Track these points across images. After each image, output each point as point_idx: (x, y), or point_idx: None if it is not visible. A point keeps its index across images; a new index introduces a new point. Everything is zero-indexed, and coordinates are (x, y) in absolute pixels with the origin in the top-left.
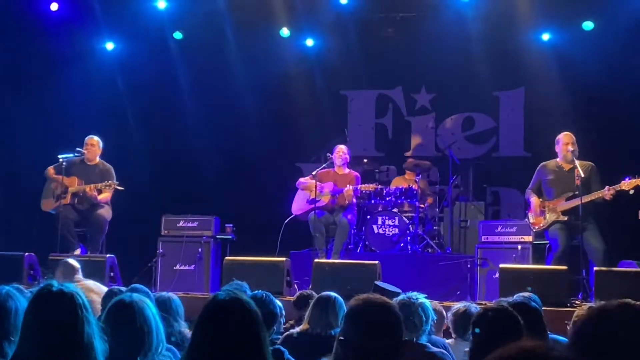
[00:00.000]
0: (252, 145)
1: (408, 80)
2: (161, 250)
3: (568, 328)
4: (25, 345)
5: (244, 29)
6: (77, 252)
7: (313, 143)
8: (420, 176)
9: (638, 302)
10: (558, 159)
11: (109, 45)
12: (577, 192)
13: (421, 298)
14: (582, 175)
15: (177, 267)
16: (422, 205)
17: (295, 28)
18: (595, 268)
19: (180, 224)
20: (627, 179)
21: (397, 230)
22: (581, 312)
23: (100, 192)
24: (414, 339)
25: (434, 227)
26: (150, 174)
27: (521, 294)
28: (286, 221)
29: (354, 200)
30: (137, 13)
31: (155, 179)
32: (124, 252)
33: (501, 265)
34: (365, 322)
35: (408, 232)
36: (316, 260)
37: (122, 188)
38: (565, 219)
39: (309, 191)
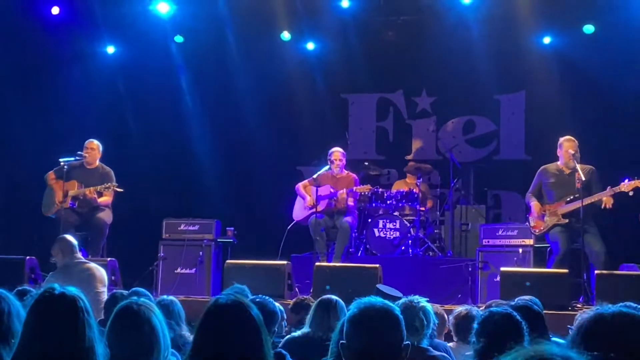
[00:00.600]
0: (253, 148)
1: (409, 84)
2: (162, 254)
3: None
4: (26, 348)
5: (245, 32)
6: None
7: (314, 146)
8: (421, 179)
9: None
10: (559, 163)
11: (110, 49)
12: (577, 195)
13: (422, 302)
14: (583, 179)
15: (178, 270)
16: (422, 209)
17: (296, 32)
18: (596, 271)
19: (182, 227)
20: (626, 180)
21: (398, 233)
22: (582, 315)
23: (100, 194)
24: (416, 343)
25: (435, 231)
26: (151, 178)
27: (523, 297)
28: (289, 227)
29: (350, 203)
30: (138, 16)
31: (156, 182)
32: (125, 256)
33: (502, 269)
34: (367, 326)
35: (409, 235)
36: (317, 263)
37: (122, 190)
38: (566, 222)
39: (307, 204)
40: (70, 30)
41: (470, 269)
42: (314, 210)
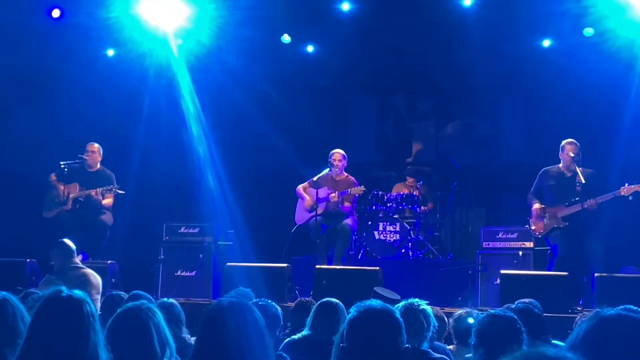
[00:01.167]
0: (252, 151)
1: (409, 86)
2: (162, 256)
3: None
4: (31, 350)
5: (244, 35)
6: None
7: (314, 149)
8: (421, 182)
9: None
10: (560, 165)
11: (110, 52)
12: (578, 198)
13: (422, 304)
14: (583, 182)
15: (178, 273)
16: (423, 210)
17: (296, 34)
18: (596, 274)
19: (182, 230)
20: (626, 184)
21: (398, 236)
22: (582, 318)
23: (103, 197)
24: (416, 346)
25: (435, 233)
26: (151, 180)
27: (523, 300)
28: (292, 230)
29: (347, 205)
30: (137, 19)
31: (157, 185)
32: (125, 258)
33: (502, 271)
34: (367, 329)
35: (409, 238)
36: (317, 266)
37: (123, 192)
38: (566, 224)
39: (306, 205)
40: (70, 34)
41: (470, 272)
42: (315, 213)
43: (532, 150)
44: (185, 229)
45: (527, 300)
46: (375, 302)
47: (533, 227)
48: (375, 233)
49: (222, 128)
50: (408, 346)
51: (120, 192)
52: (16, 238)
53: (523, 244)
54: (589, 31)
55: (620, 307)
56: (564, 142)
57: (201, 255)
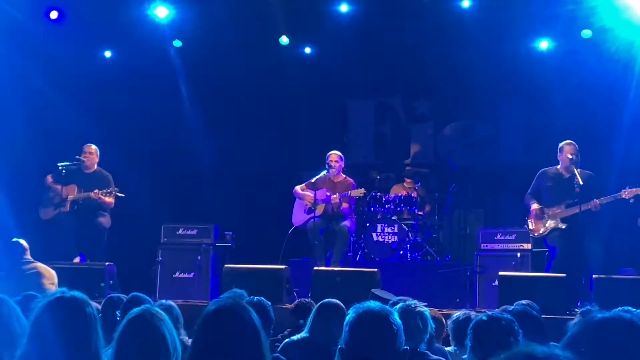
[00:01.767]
0: (250, 152)
1: (407, 88)
2: (160, 258)
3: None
4: (33, 350)
5: (243, 37)
6: (77, 260)
7: (312, 151)
8: (419, 184)
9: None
10: (558, 166)
11: (107, 53)
12: (576, 200)
13: (420, 306)
14: (582, 183)
15: (177, 274)
16: (421, 213)
17: (295, 36)
18: (594, 275)
19: (180, 231)
20: (627, 187)
21: (396, 237)
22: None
23: (103, 199)
24: (414, 347)
25: (433, 235)
26: (149, 182)
27: (521, 301)
28: (289, 232)
29: (344, 207)
30: (136, 21)
31: (155, 187)
32: (124, 260)
33: (500, 273)
34: (365, 331)
35: (407, 239)
36: (315, 268)
37: (123, 194)
38: (565, 226)
39: (306, 202)
40: (68, 35)
41: (468, 274)
42: (312, 215)
43: (530, 151)
44: (183, 231)
45: (525, 301)
46: (373, 304)
47: (531, 228)
48: (374, 235)
49: (219, 129)
50: (406, 348)
51: (120, 194)
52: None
53: (521, 245)
54: (587, 33)
55: (617, 309)
56: (562, 143)
57: (199, 257)
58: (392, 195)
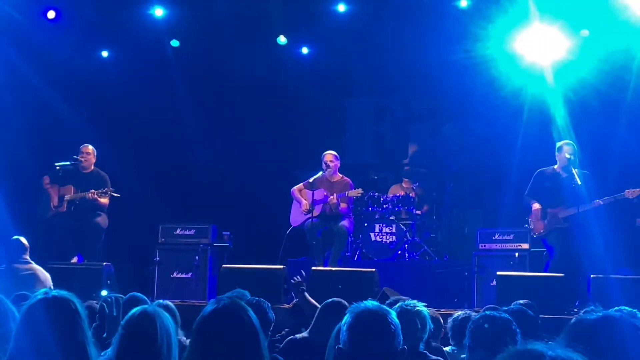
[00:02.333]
0: (249, 152)
1: (405, 88)
2: (158, 258)
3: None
4: (21, 349)
5: (241, 36)
6: (74, 260)
7: (310, 151)
8: (417, 183)
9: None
10: (556, 166)
11: (104, 53)
12: (575, 199)
13: (419, 306)
14: (579, 183)
15: (174, 275)
16: (419, 213)
17: (293, 36)
18: (592, 275)
19: (178, 231)
20: (630, 189)
21: (394, 237)
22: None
23: (98, 199)
24: (412, 347)
25: (432, 235)
26: (147, 182)
27: (519, 301)
28: (287, 232)
29: (342, 207)
30: (133, 20)
31: (152, 187)
32: (121, 260)
33: (498, 273)
34: (363, 331)
35: (405, 239)
36: (313, 267)
37: (118, 195)
38: (565, 226)
39: (302, 208)
40: (66, 35)
41: (466, 273)
42: (311, 215)
43: (528, 151)
44: (181, 231)
45: (522, 301)
46: (370, 304)
47: (532, 226)
48: (372, 235)
49: (217, 129)
50: (404, 348)
51: (115, 195)
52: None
53: (519, 245)
54: (585, 33)
55: (615, 309)
56: (560, 142)
57: (197, 257)
58: (390, 195)
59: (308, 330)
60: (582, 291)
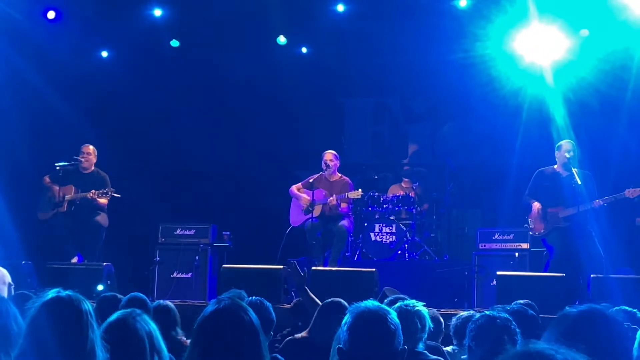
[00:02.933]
0: (248, 152)
1: (405, 88)
2: (158, 258)
3: None
4: (30, 349)
5: (240, 36)
6: (74, 260)
7: (310, 151)
8: (417, 183)
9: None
10: (556, 166)
11: (104, 53)
12: (575, 199)
13: (418, 306)
14: (580, 183)
15: (174, 274)
16: (419, 211)
17: (292, 36)
18: (592, 275)
19: (178, 231)
20: (630, 188)
21: (394, 237)
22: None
23: (98, 199)
24: (412, 347)
25: (431, 235)
26: (147, 182)
27: (519, 301)
28: (287, 231)
29: (343, 207)
30: (133, 21)
31: (152, 186)
32: (121, 260)
33: (498, 273)
34: (363, 331)
35: (405, 239)
36: (313, 267)
37: (119, 195)
38: (565, 225)
39: (302, 203)
40: (66, 35)
41: (466, 273)
42: (310, 215)
43: (527, 151)
44: (181, 231)
45: (523, 301)
46: (370, 304)
47: (532, 226)
48: (372, 234)
49: (217, 129)
50: (404, 348)
51: (115, 195)
52: (12, 240)
53: (519, 245)
54: (584, 33)
55: (615, 308)
56: (560, 142)
57: (197, 257)
58: (389, 195)
59: (307, 330)
60: (582, 291)
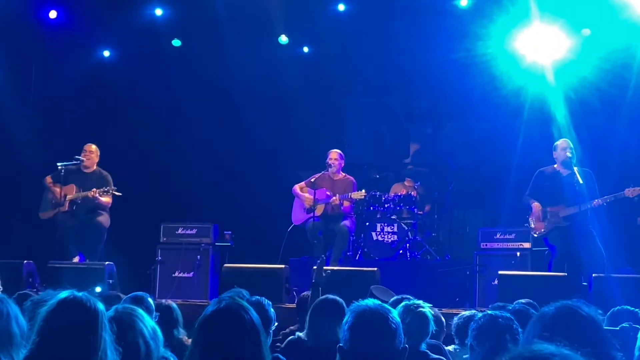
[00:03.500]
0: (250, 152)
1: (406, 88)
2: (160, 258)
3: None
4: (43, 349)
5: (242, 36)
6: (76, 259)
7: (311, 150)
8: (418, 183)
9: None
10: (555, 165)
11: (106, 53)
12: (576, 198)
13: (424, 306)
14: (580, 182)
15: (176, 274)
16: (420, 212)
17: (293, 35)
18: (594, 274)
19: (179, 231)
20: (631, 187)
21: (396, 237)
22: None
23: (100, 198)
24: (414, 347)
25: (433, 234)
26: (149, 181)
27: (520, 300)
28: (288, 229)
29: (344, 206)
30: (135, 20)
31: (154, 186)
32: (123, 260)
33: (500, 272)
34: (364, 330)
35: (407, 238)
36: (315, 267)
37: (120, 194)
38: (566, 225)
39: (305, 203)
40: (67, 34)
41: (468, 273)
42: (312, 214)
43: (528, 150)
44: (182, 230)
45: (525, 300)
46: (371, 303)
47: (533, 226)
48: (373, 234)
49: (219, 129)
50: (406, 347)
51: (117, 193)
52: (13, 240)
53: (521, 244)
54: (585, 32)
55: (615, 308)
56: (558, 141)
57: (199, 257)
58: (391, 194)
59: (306, 329)
60: (584, 290)
